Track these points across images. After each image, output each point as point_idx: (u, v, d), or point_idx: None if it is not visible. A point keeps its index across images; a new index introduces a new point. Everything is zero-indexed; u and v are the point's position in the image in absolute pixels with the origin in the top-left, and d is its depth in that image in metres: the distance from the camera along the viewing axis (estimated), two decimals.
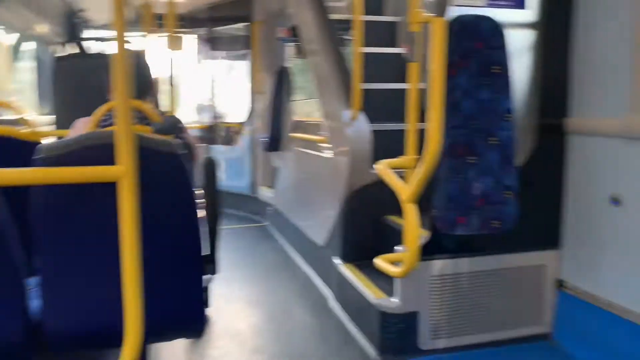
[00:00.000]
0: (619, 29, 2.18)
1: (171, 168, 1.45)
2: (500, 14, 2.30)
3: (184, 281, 1.59)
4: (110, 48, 4.45)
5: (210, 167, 1.67)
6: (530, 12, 2.48)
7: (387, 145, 2.90)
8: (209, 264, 1.68)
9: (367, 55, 3.65)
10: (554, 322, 2.54)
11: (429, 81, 1.77)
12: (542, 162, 2.50)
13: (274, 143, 4.76)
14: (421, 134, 2.26)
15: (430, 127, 1.79)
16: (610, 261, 2.28)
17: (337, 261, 3.10)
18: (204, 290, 1.88)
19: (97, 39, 4.86)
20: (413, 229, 1.98)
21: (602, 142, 2.30)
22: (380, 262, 2.32)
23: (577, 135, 2.44)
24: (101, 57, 4.13)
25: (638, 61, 2.09)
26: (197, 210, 1.55)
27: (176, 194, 1.48)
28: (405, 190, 2.00)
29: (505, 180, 2.24)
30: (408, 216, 1.98)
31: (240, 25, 5.96)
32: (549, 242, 2.54)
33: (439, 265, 2.41)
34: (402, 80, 2.71)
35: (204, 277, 1.74)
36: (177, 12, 4.12)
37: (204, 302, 1.69)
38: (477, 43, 2.18)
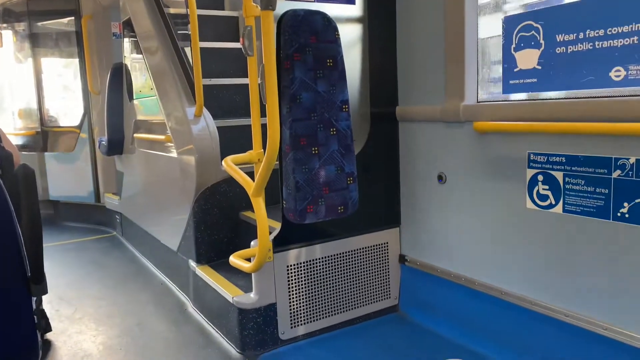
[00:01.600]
0: (433, 23, 2.42)
1: None
2: (331, 9, 2.41)
3: (10, 307, 1.40)
4: None
5: (26, 176, 1.48)
6: (358, 7, 2.64)
7: (236, 141, 2.88)
8: (35, 285, 1.49)
9: (210, 50, 3.58)
10: (400, 295, 2.77)
11: (261, 77, 1.79)
12: (378, 148, 2.69)
13: (115, 146, 4.43)
14: (266, 128, 2.28)
15: (268, 120, 1.81)
16: (440, 233, 2.54)
17: (192, 264, 3.00)
18: (40, 313, 1.67)
19: None
20: (261, 222, 1.98)
21: (427, 127, 2.55)
22: (234, 259, 2.29)
23: (406, 121, 2.67)
24: None
25: (449, 54, 2.35)
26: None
27: None
28: (251, 184, 2.00)
29: (346, 168, 2.36)
30: (256, 210, 1.98)
31: (67, 20, 5.42)
32: (390, 221, 2.75)
33: (292, 255, 2.46)
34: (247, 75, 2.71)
35: (34, 299, 1.55)
36: None
37: (36, 327, 1.50)
38: (310, 37, 2.25)
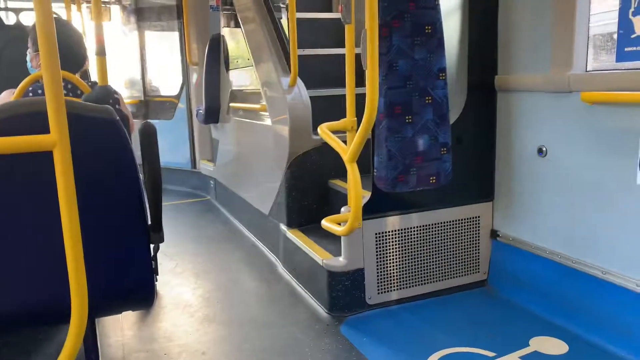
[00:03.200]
0: None
1: (109, 134, 1.40)
2: None
3: (131, 250, 1.56)
4: (28, 19, 4.14)
5: (148, 133, 1.62)
6: None
7: (327, 110, 2.93)
8: (155, 233, 1.65)
9: (304, 21, 3.63)
10: (490, 270, 2.72)
11: (362, 43, 1.80)
12: (474, 119, 2.62)
13: (212, 115, 4.66)
14: (359, 98, 2.30)
15: (367, 86, 1.82)
16: (537, 209, 2.45)
17: (283, 227, 3.13)
18: (153, 259, 1.85)
19: (13, 10, 4.51)
20: (355, 188, 2.03)
21: (528, 97, 2.44)
22: (326, 223, 2.37)
23: (505, 91, 2.57)
24: (18, 29, 3.85)
25: (557, 17, 2.22)
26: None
27: (116, 161, 1.44)
28: (346, 150, 2.05)
29: (440, 138, 2.34)
30: (350, 176, 2.03)
31: None
32: (483, 195, 2.69)
33: (381, 223, 2.49)
34: (342, 45, 2.74)
35: (152, 246, 1.71)
36: None
37: (153, 272, 1.66)
38: (410, 3, 2.22)
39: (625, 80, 1.98)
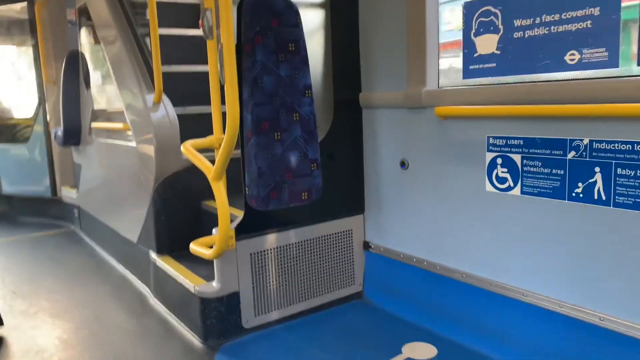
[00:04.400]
0: (396, 10, 2.42)
1: None
2: None
3: None
4: None
5: None
6: None
7: (197, 129, 2.81)
8: None
9: (170, 37, 3.49)
10: (365, 281, 2.78)
11: (220, 58, 1.75)
12: (342, 135, 2.68)
13: (71, 136, 4.27)
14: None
15: (227, 101, 1.77)
16: (403, 219, 2.56)
17: (153, 255, 2.93)
18: None
19: None
20: (222, 208, 1.95)
21: (390, 113, 2.56)
22: (194, 246, 2.25)
23: (369, 108, 2.67)
24: None
25: (411, 40, 2.36)
26: None
27: None
28: (211, 168, 1.96)
29: (310, 154, 2.35)
30: (217, 195, 1.95)
31: (19, 6, 5.19)
32: (354, 208, 2.75)
33: (256, 242, 2.43)
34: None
35: None
36: None
37: None
38: (272, 20, 2.22)
39: (470, 95, 2.15)
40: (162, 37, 2.91)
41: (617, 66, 1.71)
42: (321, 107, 2.62)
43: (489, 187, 2.12)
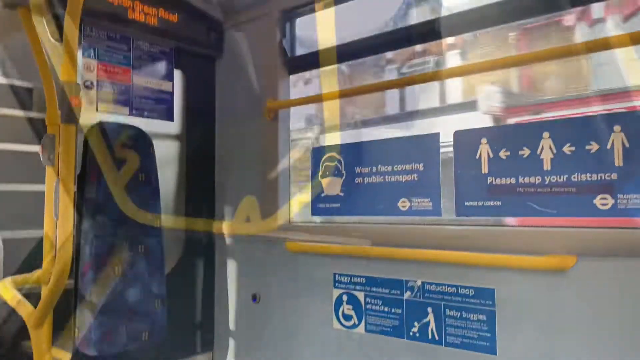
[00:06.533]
0: (251, 147, 2.53)
1: None
2: (148, 125, 2.37)
3: None
4: None
5: None
6: (177, 124, 2.65)
7: (35, 258, 2.50)
8: None
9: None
10: None
11: (56, 189, 1.63)
12: (193, 267, 2.58)
13: None
14: None
15: (59, 234, 1.61)
16: (255, 354, 2.44)
17: None
18: None
19: None
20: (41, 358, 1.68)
21: (244, 246, 2.54)
22: None
23: (223, 239, 2.63)
24: None
25: (264, 176, 2.45)
26: None
27: None
28: (31, 311, 1.71)
29: (154, 289, 2.19)
30: (35, 346, 1.67)
31: None
32: (203, 346, 2.57)
33: None
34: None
35: None
36: None
37: None
38: (122, 150, 2.16)
39: (318, 231, 2.24)
40: None
41: (440, 214, 1.93)
42: (172, 237, 2.52)
43: (336, 324, 2.14)
